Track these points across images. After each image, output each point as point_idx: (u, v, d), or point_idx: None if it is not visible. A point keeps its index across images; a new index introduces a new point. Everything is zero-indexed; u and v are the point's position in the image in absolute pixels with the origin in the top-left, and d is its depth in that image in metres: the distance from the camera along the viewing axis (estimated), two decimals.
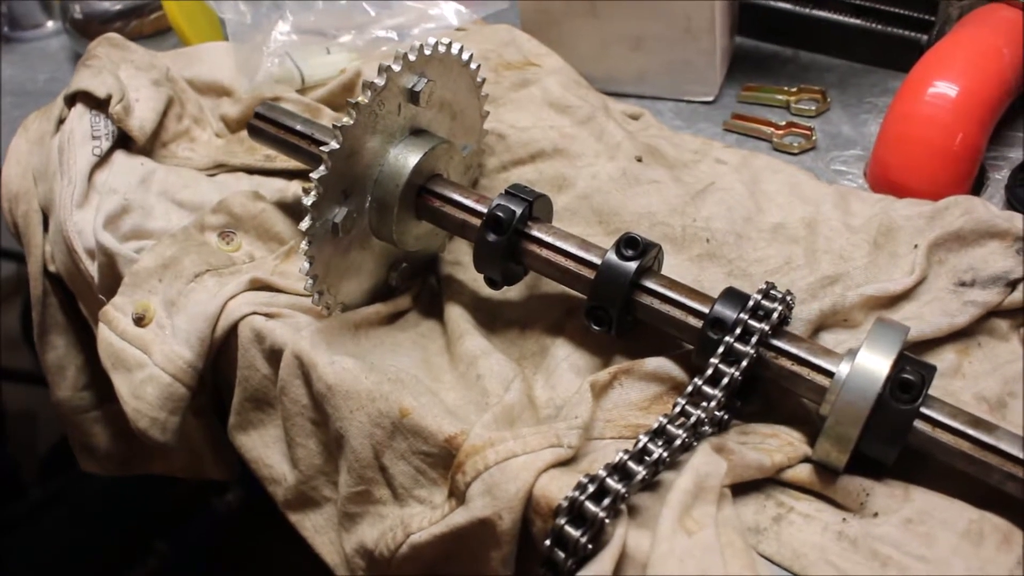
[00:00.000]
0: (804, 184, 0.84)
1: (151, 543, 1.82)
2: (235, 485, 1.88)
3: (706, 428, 0.62)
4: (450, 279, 0.80)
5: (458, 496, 0.62)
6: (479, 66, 0.79)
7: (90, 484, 1.83)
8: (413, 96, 0.71)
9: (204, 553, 1.88)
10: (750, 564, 0.55)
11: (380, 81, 0.68)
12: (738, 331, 0.63)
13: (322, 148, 0.66)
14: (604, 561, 0.55)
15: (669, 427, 0.60)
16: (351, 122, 0.67)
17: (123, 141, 0.90)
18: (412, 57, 0.70)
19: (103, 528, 1.85)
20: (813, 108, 1.00)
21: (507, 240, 0.70)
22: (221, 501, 1.90)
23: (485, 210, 0.71)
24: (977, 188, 0.88)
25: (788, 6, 1.10)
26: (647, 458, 0.58)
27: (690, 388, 0.62)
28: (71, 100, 0.90)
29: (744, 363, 0.62)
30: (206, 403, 0.85)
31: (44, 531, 1.82)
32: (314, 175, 0.66)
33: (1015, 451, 0.57)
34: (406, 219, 0.73)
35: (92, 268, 0.84)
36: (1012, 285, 0.71)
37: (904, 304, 0.72)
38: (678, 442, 0.59)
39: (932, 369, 0.61)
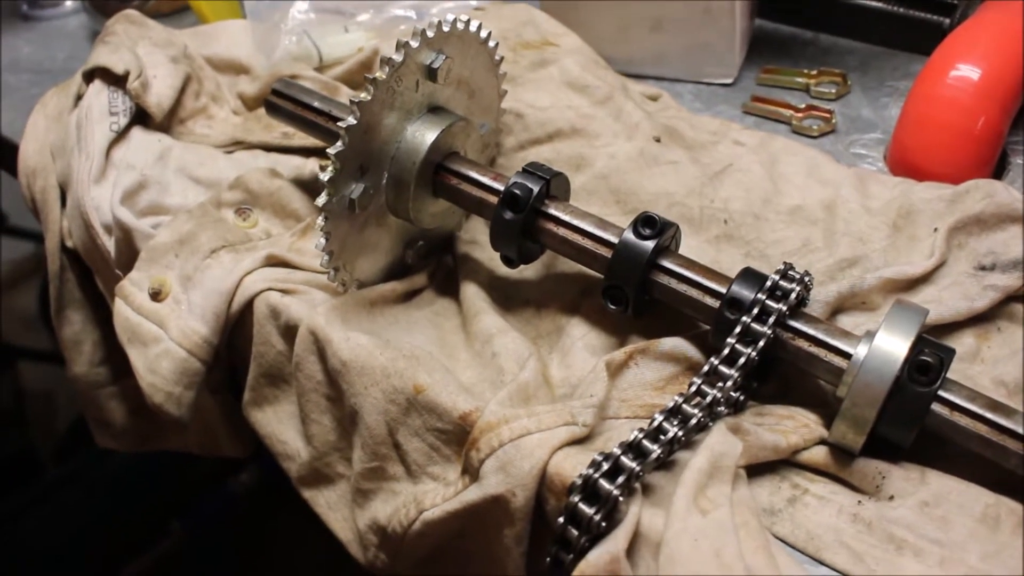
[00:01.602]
0: (823, 166, 0.83)
1: (166, 523, 1.84)
2: (250, 465, 1.89)
3: (722, 408, 0.62)
4: (466, 258, 0.80)
5: (472, 473, 0.62)
6: (497, 44, 0.78)
7: (106, 464, 1.84)
8: (431, 73, 0.70)
9: (219, 533, 1.89)
10: (764, 544, 0.54)
11: (398, 57, 0.67)
12: (755, 311, 0.63)
13: (339, 123, 0.66)
14: (618, 539, 0.55)
15: (685, 406, 0.60)
16: (369, 98, 0.66)
17: (141, 117, 0.90)
18: (430, 34, 0.69)
19: (119, 508, 1.86)
20: (833, 91, 0.99)
21: (524, 218, 0.70)
22: (235, 481, 1.91)
23: (502, 188, 0.71)
24: (999, 172, 0.87)
25: None
26: (662, 437, 0.58)
27: (706, 368, 0.62)
28: (89, 76, 0.90)
29: (761, 343, 0.62)
30: (221, 379, 0.85)
31: (60, 511, 1.83)
32: (331, 150, 0.66)
33: None
34: (423, 196, 0.73)
35: (109, 243, 0.84)
36: None
37: (923, 287, 0.71)
38: (693, 421, 0.59)
39: (951, 352, 0.60)
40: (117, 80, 0.89)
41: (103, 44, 0.91)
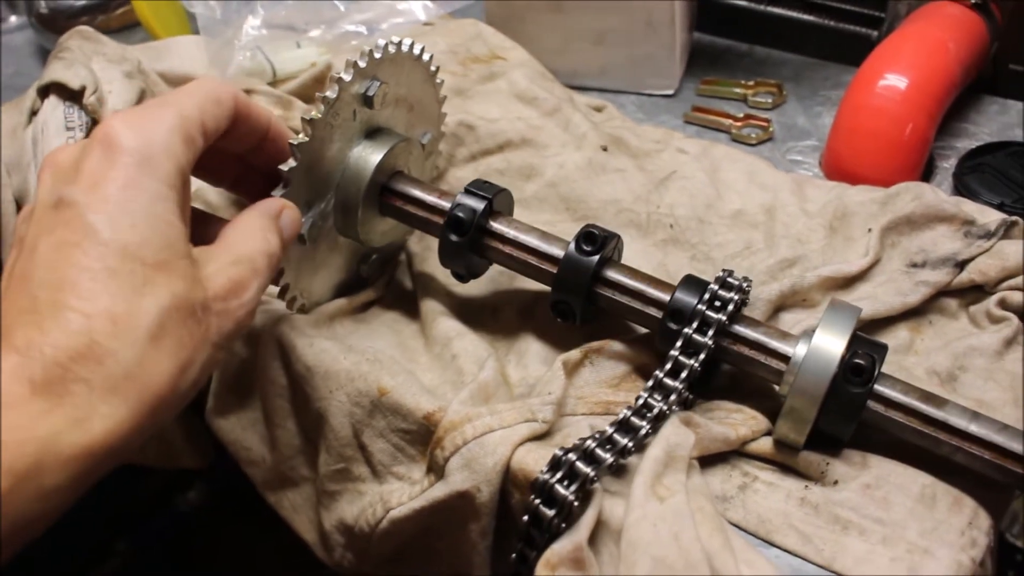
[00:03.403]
0: (762, 172, 0.87)
1: (112, 543, 1.81)
2: (197, 482, 1.87)
3: (675, 408, 0.65)
4: (421, 265, 0.81)
5: (437, 471, 0.64)
6: (432, 56, 0.79)
7: None
8: (367, 100, 0.71)
9: (167, 552, 1.87)
10: (719, 527, 0.57)
11: (332, 94, 0.68)
12: (696, 323, 0.65)
13: (281, 167, 0.66)
14: (581, 528, 0.57)
15: (633, 419, 0.62)
16: (307, 138, 0.66)
17: None
18: (362, 64, 0.70)
19: (62, 529, 1.83)
20: (769, 101, 1.04)
21: (469, 238, 0.71)
22: (183, 499, 1.89)
23: (447, 206, 0.72)
24: (926, 177, 0.92)
25: (745, 3, 1.13)
26: (615, 447, 0.60)
27: (651, 382, 0.64)
28: (44, 92, 0.90)
29: (703, 355, 0.64)
30: None
31: None
32: (275, 193, 0.66)
33: (962, 424, 0.60)
34: (371, 218, 0.74)
35: None
36: (960, 266, 0.74)
37: (859, 285, 0.75)
38: (642, 432, 0.61)
39: (884, 349, 0.63)
40: (73, 95, 0.89)
41: (57, 60, 0.91)
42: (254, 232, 0.60)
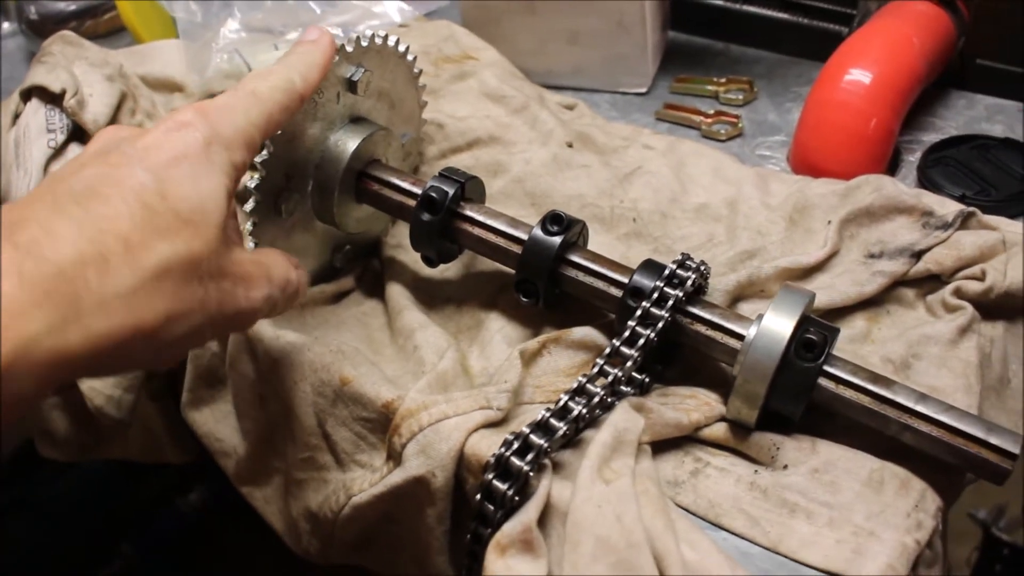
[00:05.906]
0: (727, 167, 0.88)
1: (116, 546, 1.83)
2: (198, 484, 1.89)
3: (626, 388, 0.66)
4: (391, 260, 0.83)
5: (395, 458, 0.65)
6: (416, 58, 0.82)
7: (52, 488, 1.83)
8: (351, 85, 0.74)
9: (170, 554, 1.89)
10: (663, 509, 0.58)
11: None
12: (655, 297, 0.67)
13: None
14: (529, 510, 0.58)
15: (588, 386, 0.64)
16: None
17: (77, 134, 0.92)
18: (349, 48, 0.73)
19: (66, 532, 1.85)
20: (740, 97, 1.05)
21: (441, 220, 0.74)
22: (185, 501, 1.91)
23: (420, 191, 0.74)
24: (892, 170, 0.93)
25: (720, 2, 1.14)
26: (568, 415, 0.62)
27: (608, 349, 0.66)
28: (26, 95, 0.93)
29: (660, 325, 0.66)
30: (161, 386, 0.88)
31: (5, 536, 1.82)
32: (257, 159, 0.69)
33: (910, 403, 0.61)
34: (347, 202, 0.77)
35: None
36: (917, 256, 0.75)
37: (817, 275, 0.76)
38: (596, 399, 0.63)
39: (835, 331, 0.65)
40: (54, 98, 0.91)
41: (40, 64, 0.94)
42: (280, 258, 0.63)
